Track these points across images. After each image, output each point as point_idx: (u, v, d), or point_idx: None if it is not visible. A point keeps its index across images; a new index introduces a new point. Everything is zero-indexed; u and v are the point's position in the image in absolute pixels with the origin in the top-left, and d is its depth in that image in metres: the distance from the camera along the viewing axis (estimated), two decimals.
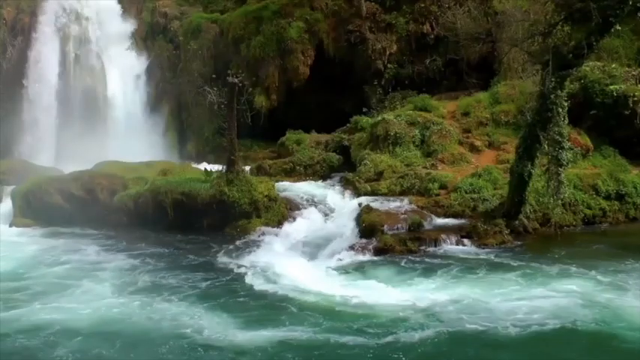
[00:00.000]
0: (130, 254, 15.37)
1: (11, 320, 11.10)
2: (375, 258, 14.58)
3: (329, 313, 11.17)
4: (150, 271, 14.04)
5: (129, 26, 29.45)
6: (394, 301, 11.64)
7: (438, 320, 10.78)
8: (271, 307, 11.64)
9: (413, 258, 14.46)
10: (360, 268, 13.87)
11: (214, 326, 10.68)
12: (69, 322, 10.95)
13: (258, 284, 12.90)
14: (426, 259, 14.36)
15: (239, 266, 14.24)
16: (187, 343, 10.11)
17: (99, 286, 13.01)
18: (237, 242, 16.16)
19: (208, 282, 13.21)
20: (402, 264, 14.09)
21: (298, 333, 10.35)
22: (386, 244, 14.99)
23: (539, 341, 10.02)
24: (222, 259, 14.94)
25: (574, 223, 16.89)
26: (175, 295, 12.29)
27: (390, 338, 10.10)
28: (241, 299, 12.15)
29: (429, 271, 13.48)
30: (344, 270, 13.81)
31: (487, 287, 12.31)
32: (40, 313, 11.47)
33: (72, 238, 17.21)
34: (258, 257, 14.79)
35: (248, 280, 13.24)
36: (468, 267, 13.66)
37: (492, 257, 14.39)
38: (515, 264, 13.77)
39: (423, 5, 26.07)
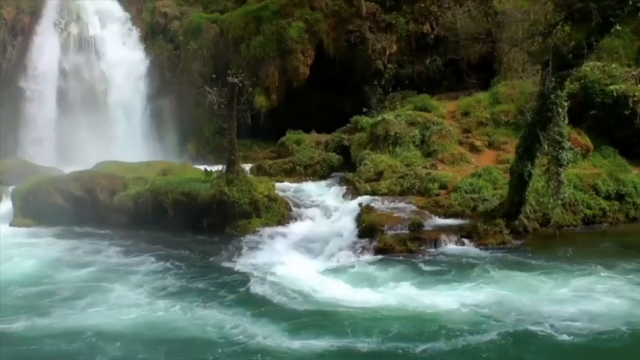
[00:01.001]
0: (152, 255, 15.09)
1: (47, 325, 10.80)
2: (376, 258, 14.50)
3: (376, 320, 10.73)
4: (176, 274, 13.73)
5: (129, 26, 29.47)
6: (436, 305, 11.25)
7: (494, 323, 10.41)
8: (315, 314, 11.19)
9: (423, 258, 14.30)
10: (373, 270, 13.61)
11: (264, 332, 10.31)
12: (107, 327, 10.64)
13: (285, 289, 12.43)
14: (438, 259, 14.20)
15: (259, 265, 14.04)
16: (240, 348, 9.77)
17: (130, 290, 12.59)
18: (245, 243, 15.94)
19: (243, 286, 12.79)
20: (415, 265, 13.84)
21: (358, 343, 9.88)
22: (386, 244, 14.96)
23: (607, 345, 9.68)
24: (242, 261, 14.63)
25: (574, 223, 16.88)
26: (211, 301, 11.90)
27: (460, 343, 9.71)
28: (286, 306, 11.68)
29: (449, 273, 13.17)
30: (363, 272, 13.52)
31: (519, 288, 12.02)
32: (75, 317, 11.16)
33: (84, 238, 16.96)
34: (272, 258, 14.52)
35: (274, 285, 12.71)
36: (485, 267, 13.40)
37: (503, 257, 14.19)
38: (534, 263, 13.62)
39: (423, 5, 26.11)
